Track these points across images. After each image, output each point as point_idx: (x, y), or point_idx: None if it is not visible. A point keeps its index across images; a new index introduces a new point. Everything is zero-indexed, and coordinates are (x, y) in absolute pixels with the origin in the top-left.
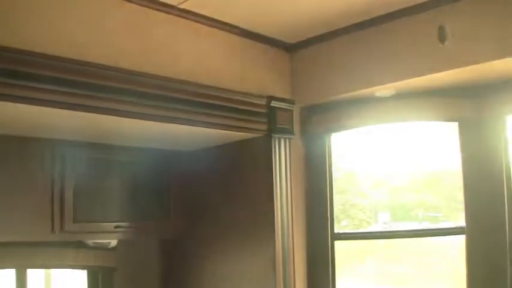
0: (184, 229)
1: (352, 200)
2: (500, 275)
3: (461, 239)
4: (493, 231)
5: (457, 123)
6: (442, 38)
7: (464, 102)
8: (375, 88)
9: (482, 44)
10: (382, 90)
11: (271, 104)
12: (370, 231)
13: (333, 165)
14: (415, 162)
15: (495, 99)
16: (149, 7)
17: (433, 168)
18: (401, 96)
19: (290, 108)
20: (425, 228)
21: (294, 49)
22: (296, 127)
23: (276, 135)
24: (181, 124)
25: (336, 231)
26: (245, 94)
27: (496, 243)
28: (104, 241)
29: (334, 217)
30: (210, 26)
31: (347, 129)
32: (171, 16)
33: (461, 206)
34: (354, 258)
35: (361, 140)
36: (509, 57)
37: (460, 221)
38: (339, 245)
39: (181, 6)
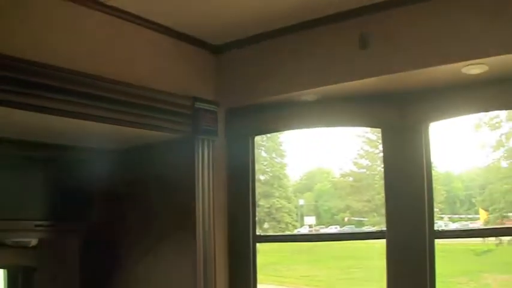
0: (106, 229)
1: (279, 203)
2: (419, 279)
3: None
4: (412, 236)
5: (380, 130)
6: (363, 45)
7: (388, 108)
8: (299, 92)
9: (403, 53)
10: (306, 95)
11: (196, 105)
12: (292, 234)
13: (259, 168)
14: (341, 167)
15: (418, 106)
16: (77, 2)
17: (359, 173)
18: (325, 101)
19: (214, 109)
20: (347, 232)
21: (220, 51)
22: (220, 129)
23: (199, 136)
24: (105, 123)
25: (257, 233)
26: (170, 94)
27: (415, 248)
28: (24, 240)
29: (259, 220)
30: (138, 24)
31: (271, 132)
32: (98, 13)
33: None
34: (279, 260)
35: (289, 144)
36: (431, 67)
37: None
38: (263, 247)
39: (110, 4)
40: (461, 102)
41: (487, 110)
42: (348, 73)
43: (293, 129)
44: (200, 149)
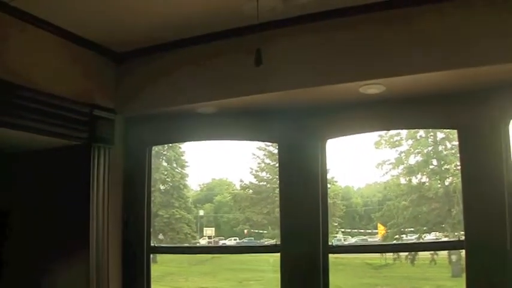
0: None
1: (178, 214)
2: None
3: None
4: (306, 250)
5: (276, 144)
6: (257, 62)
7: (285, 124)
8: (197, 104)
9: (298, 71)
10: (204, 107)
11: (93, 113)
12: (188, 245)
13: (159, 178)
14: (242, 179)
15: (315, 123)
16: None
17: (260, 185)
18: (223, 115)
19: (112, 117)
20: (243, 244)
21: (122, 59)
22: (118, 137)
23: (95, 144)
24: None
25: (152, 244)
26: (66, 100)
27: (309, 262)
28: None
29: (157, 230)
30: (38, 27)
31: (169, 143)
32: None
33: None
34: (177, 271)
35: (190, 154)
36: (327, 86)
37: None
38: (162, 258)
39: (13, 5)
40: (359, 121)
41: (385, 129)
42: (243, 88)
43: (191, 140)
44: (96, 156)
